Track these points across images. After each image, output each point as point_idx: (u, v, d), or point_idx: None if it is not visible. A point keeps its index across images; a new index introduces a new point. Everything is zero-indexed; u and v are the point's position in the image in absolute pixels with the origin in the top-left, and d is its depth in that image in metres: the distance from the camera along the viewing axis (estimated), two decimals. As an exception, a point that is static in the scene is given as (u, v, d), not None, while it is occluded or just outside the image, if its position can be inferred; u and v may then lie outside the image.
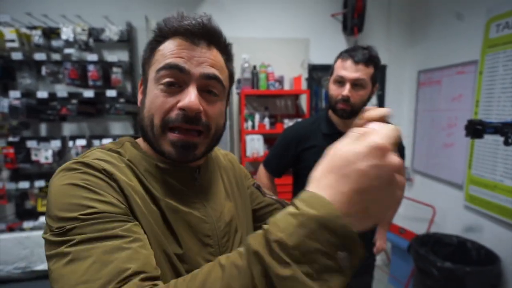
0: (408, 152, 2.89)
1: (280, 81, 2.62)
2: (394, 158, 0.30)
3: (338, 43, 2.75)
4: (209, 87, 0.53)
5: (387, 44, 2.81)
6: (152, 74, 0.52)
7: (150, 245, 0.44)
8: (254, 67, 2.54)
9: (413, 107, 2.79)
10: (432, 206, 2.47)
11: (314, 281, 0.28)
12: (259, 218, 0.73)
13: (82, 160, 0.47)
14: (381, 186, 0.29)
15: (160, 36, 0.53)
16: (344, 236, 0.28)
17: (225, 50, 0.56)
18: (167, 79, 0.50)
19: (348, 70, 1.09)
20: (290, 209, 0.31)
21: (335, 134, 1.21)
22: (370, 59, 1.09)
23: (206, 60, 0.51)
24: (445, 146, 2.37)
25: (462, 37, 2.20)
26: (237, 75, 2.69)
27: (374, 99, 2.86)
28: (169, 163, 0.55)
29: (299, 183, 1.32)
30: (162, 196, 0.52)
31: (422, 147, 2.68)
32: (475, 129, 1.14)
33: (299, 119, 2.35)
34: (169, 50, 0.51)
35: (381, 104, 2.88)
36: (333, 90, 1.15)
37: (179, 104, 0.49)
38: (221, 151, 0.76)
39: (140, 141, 0.59)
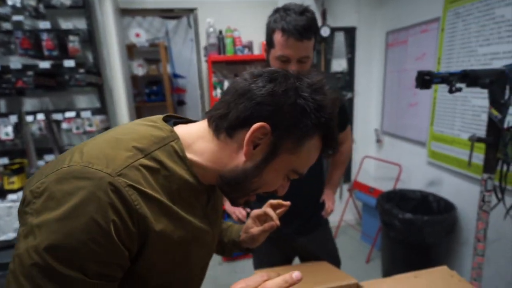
0: (377, 114, 2.95)
1: (249, 46, 2.56)
2: None
3: (307, 5, 2.68)
4: None
5: (356, 6, 2.76)
6: (287, 165, 0.55)
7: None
8: (220, 31, 2.46)
9: (382, 69, 2.81)
10: (399, 165, 2.57)
11: None
12: None
13: (118, 186, 0.42)
14: None
15: (319, 124, 0.53)
16: None
17: None
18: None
19: (291, 48, 1.03)
20: None
21: None
22: (311, 30, 1.03)
23: None
24: (411, 106, 2.43)
25: (427, -6, 2.18)
26: (203, 41, 2.60)
27: (344, 63, 2.86)
28: (198, 182, 0.55)
29: None
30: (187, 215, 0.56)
31: (391, 109, 2.73)
32: (424, 79, 1.16)
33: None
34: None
35: (351, 68, 2.88)
36: (277, 67, 1.07)
37: (278, 192, 0.60)
38: None
39: (190, 143, 0.54)
